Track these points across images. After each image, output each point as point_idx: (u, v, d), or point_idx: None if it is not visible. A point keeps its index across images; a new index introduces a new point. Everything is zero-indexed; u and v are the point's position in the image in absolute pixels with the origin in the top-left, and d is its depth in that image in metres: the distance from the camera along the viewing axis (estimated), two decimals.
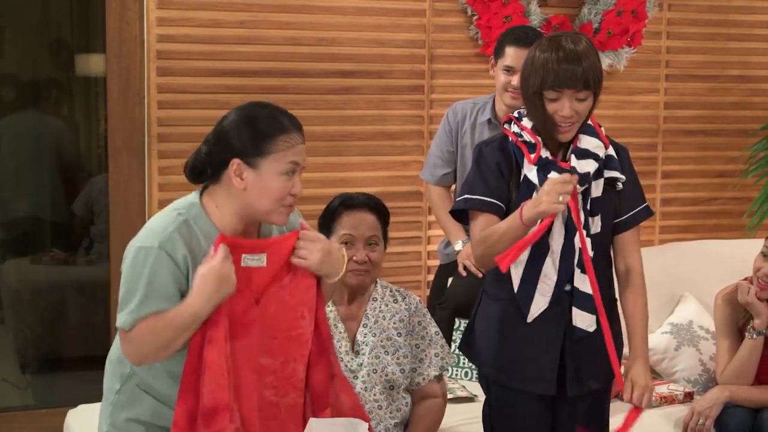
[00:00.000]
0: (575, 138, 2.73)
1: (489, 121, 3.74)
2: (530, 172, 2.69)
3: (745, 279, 3.58)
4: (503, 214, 2.70)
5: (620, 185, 2.78)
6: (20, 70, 5.07)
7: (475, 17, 4.47)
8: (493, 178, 2.73)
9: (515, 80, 3.47)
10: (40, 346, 5.06)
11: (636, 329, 2.77)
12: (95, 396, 3.63)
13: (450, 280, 3.85)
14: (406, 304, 3.07)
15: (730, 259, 4.29)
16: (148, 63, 4.12)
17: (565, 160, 2.71)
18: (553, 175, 2.65)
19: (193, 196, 2.37)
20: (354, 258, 2.94)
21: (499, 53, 3.62)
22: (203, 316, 2.22)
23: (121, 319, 2.26)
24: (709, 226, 5.01)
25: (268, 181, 2.27)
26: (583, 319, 2.71)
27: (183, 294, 2.27)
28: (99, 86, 4.81)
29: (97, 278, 4.71)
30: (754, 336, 3.49)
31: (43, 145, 5.07)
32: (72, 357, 5.10)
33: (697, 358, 3.93)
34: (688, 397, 3.79)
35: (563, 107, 2.64)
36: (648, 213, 2.90)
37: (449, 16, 4.51)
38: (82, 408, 3.52)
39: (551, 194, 2.52)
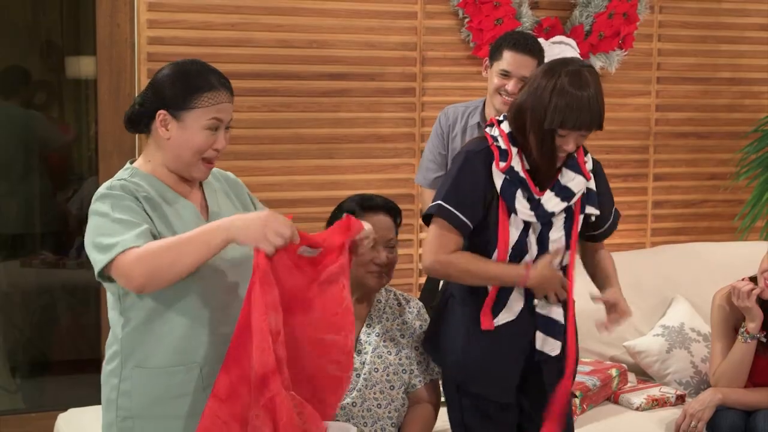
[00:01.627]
0: (557, 170, 2.76)
1: (479, 124, 3.75)
2: (498, 179, 2.71)
3: (743, 279, 3.57)
4: (467, 235, 2.75)
5: (593, 218, 2.85)
6: (9, 71, 5.06)
7: (467, 20, 4.48)
8: (472, 194, 2.73)
9: (510, 85, 3.46)
10: (31, 350, 5.05)
11: (611, 274, 2.92)
12: (86, 399, 3.63)
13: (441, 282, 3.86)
14: (409, 308, 3.12)
15: (721, 261, 4.31)
16: (138, 65, 4.12)
17: (541, 189, 2.74)
18: (519, 196, 2.70)
19: (126, 166, 2.46)
20: (376, 260, 2.96)
21: (495, 56, 3.62)
22: (214, 242, 2.20)
23: (117, 247, 2.22)
24: (701, 229, 5.03)
25: (190, 134, 2.35)
26: (546, 343, 2.79)
27: (154, 236, 2.28)
28: (89, 89, 4.80)
29: (87, 281, 4.69)
30: (748, 340, 3.50)
31: (32, 146, 5.06)
32: (62, 360, 5.09)
33: (688, 360, 3.94)
34: (680, 399, 3.80)
35: (569, 144, 2.67)
36: (618, 217, 3.01)
37: (441, 19, 4.51)
38: (73, 411, 3.51)
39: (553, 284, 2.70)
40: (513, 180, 2.70)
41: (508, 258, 2.73)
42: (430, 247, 2.76)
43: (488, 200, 2.73)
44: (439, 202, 2.76)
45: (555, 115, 2.61)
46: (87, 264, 4.91)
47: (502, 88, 3.55)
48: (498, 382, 2.80)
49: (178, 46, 4.15)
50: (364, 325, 3.06)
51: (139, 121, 2.41)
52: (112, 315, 2.41)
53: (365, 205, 3.05)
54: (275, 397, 2.21)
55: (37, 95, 5.19)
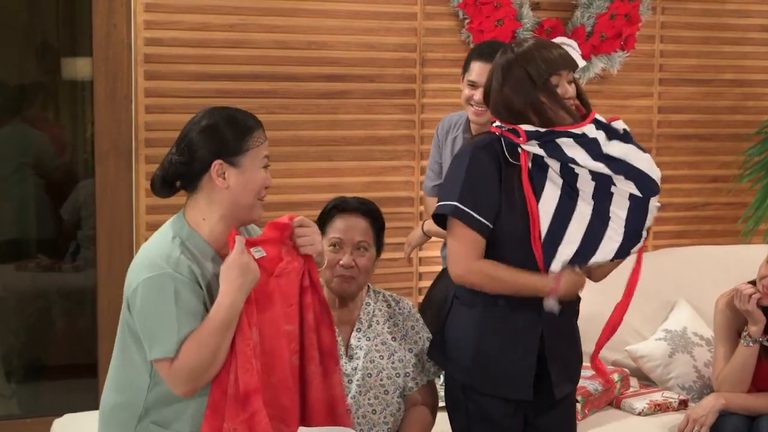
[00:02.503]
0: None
1: (463, 132, 3.73)
2: (533, 147, 2.67)
3: (747, 283, 3.57)
4: (488, 235, 2.70)
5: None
6: (5, 73, 5.05)
7: (467, 21, 4.48)
8: (487, 192, 2.69)
9: (477, 95, 3.44)
10: (26, 354, 5.04)
11: None
12: (81, 405, 3.64)
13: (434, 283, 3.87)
14: (399, 309, 3.09)
15: (724, 264, 4.31)
16: (135, 66, 4.12)
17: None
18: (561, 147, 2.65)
19: (178, 218, 2.43)
20: (340, 262, 2.95)
21: (465, 68, 3.61)
22: (239, 306, 2.30)
23: (162, 349, 2.28)
24: (704, 232, 5.03)
25: (250, 176, 2.38)
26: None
27: (207, 310, 2.34)
28: (86, 90, 4.79)
29: (83, 285, 4.70)
30: (750, 344, 3.50)
31: (28, 149, 5.05)
32: (58, 365, 5.08)
33: (691, 365, 3.94)
34: (683, 404, 3.79)
35: (565, 89, 2.70)
36: None
37: (441, 20, 4.52)
38: (68, 417, 3.51)
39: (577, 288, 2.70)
40: (545, 141, 2.65)
41: (547, 229, 2.66)
42: (458, 257, 2.71)
43: (498, 189, 2.70)
44: (455, 203, 2.69)
45: (540, 68, 2.67)
46: (83, 268, 4.94)
47: (471, 98, 3.52)
48: (515, 379, 2.76)
49: (175, 48, 4.15)
50: (354, 329, 3.03)
51: (185, 178, 2.38)
52: (137, 368, 2.40)
53: (340, 206, 3.05)
54: (256, 415, 2.31)
55: (33, 98, 5.18)
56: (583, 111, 2.75)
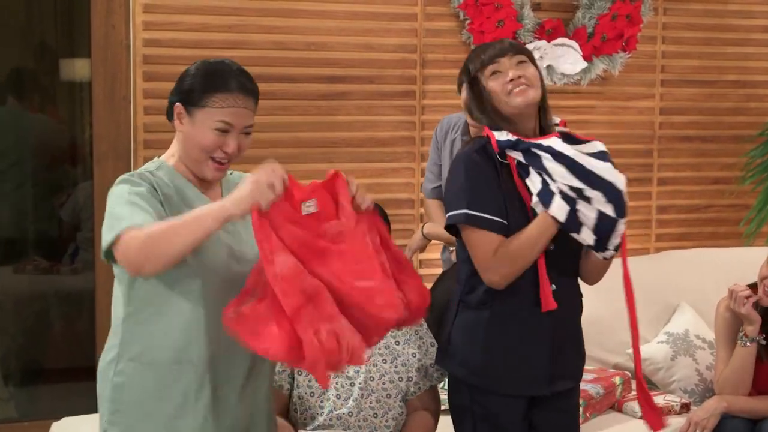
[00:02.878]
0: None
1: (462, 135, 3.74)
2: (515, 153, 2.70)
3: (747, 285, 3.57)
4: (506, 233, 2.69)
5: None
6: (2, 73, 5.06)
7: (468, 21, 4.49)
8: (492, 192, 2.70)
9: None
10: (24, 357, 5.04)
11: None
12: (80, 408, 3.63)
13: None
14: None
15: (727, 267, 4.30)
16: (134, 68, 4.12)
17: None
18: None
19: (155, 158, 2.48)
20: None
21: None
22: (222, 210, 2.19)
23: (119, 226, 2.22)
24: (706, 234, 5.03)
25: (199, 132, 2.36)
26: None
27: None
28: (84, 91, 4.80)
29: (81, 287, 4.70)
30: (747, 344, 3.50)
31: (26, 149, 5.05)
32: (56, 368, 5.08)
33: (693, 368, 3.94)
34: (685, 408, 3.80)
35: (506, 71, 2.71)
36: None
37: (441, 21, 4.52)
38: (67, 421, 3.51)
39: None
40: (521, 149, 2.69)
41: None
42: (487, 264, 2.69)
43: (503, 196, 2.71)
44: (465, 210, 2.70)
45: (475, 62, 2.75)
46: (81, 270, 4.93)
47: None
48: (531, 375, 2.77)
49: (174, 48, 4.15)
50: None
51: (168, 112, 2.45)
52: (116, 306, 2.41)
53: None
54: (334, 319, 2.17)
55: (31, 97, 5.18)
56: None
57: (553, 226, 2.63)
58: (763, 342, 3.51)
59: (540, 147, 2.67)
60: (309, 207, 2.33)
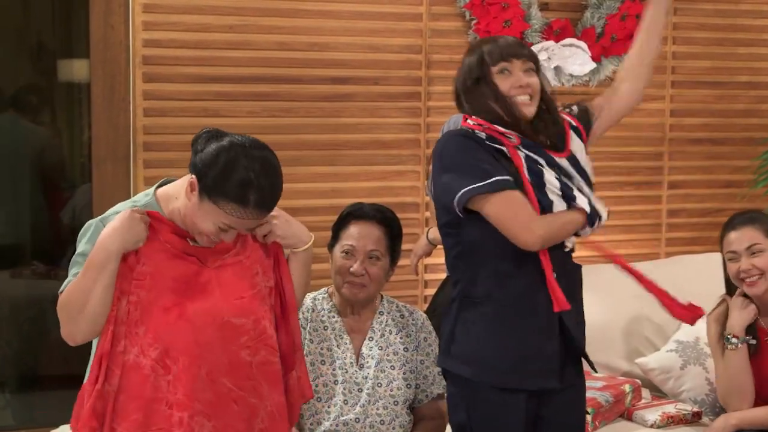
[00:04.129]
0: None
1: None
2: (518, 154, 2.72)
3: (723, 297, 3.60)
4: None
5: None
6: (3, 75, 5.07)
7: (474, 22, 4.49)
8: (487, 158, 2.70)
9: None
10: (20, 364, 5.05)
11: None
12: None
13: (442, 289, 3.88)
14: (413, 320, 3.12)
15: None
16: (133, 69, 4.13)
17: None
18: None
19: (146, 192, 2.52)
20: (351, 269, 2.98)
21: None
22: (108, 248, 2.29)
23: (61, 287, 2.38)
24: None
25: (201, 218, 2.37)
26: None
27: None
28: (82, 93, 4.81)
29: None
30: (738, 345, 3.44)
31: (23, 153, 5.06)
32: (53, 375, 5.08)
33: (704, 377, 3.93)
34: (697, 416, 3.79)
35: (518, 77, 2.72)
36: None
37: (447, 21, 4.52)
38: (64, 429, 3.51)
39: None
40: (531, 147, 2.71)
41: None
42: (528, 220, 2.66)
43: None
44: (468, 187, 2.66)
45: (488, 55, 2.75)
46: None
47: None
48: (541, 368, 2.76)
49: (174, 49, 4.16)
50: (366, 338, 3.06)
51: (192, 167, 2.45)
52: None
53: (356, 213, 3.07)
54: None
55: (27, 99, 5.19)
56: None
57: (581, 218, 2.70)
58: (753, 341, 3.49)
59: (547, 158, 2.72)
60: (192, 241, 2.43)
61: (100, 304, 2.31)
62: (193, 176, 2.37)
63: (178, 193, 2.45)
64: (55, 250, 5.07)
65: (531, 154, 2.71)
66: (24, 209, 5.09)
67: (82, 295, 2.31)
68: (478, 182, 2.65)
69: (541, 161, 2.72)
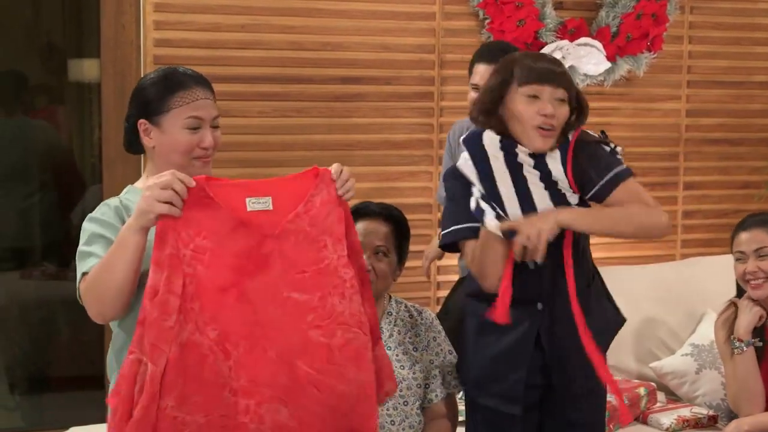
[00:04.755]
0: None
1: None
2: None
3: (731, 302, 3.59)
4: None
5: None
6: (9, 74, 5.09)
7: (488, 21, 4.49)
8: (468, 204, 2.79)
9: None
10: (30, 366, 5.07)
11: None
12: (87, 418, 3.65)
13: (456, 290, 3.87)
14: (422, 319, 3.12)
15: None
16: (144, 68, 4.14)
17: None
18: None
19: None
20: None
21: (470, 71, 3.63)
22: (128, 239, 2.22)
23: (80, 268, 2.32)
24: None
25: (171, 137, 2.42)
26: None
27: None
28: (93, 92, 4.83)
29: None
30: (744, 348, 3.43)
31: (33, 153, 5.08)
32: (63, 377, 5.11)
33: (719, 381, 3.91)
34: (712, 420, 3.78)
35: (545, 105, 2.66)
36: (620, 177, 2.81)
37: (460, 20, 4.53)
38: (74, 430, 3.53)
39: None
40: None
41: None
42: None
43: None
44: (452, 228, 2.86)
45: (519, 75, 2.68)
46: None
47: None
48: (503, 391, 2.84)
49: (185, 48, 4.17)
50: None
51: (130, 138, 2.51)
52: None
53: (361, 210, 3.08)
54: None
55: (38, 99, 5.21)
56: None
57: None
58: (759, 343, 3.47)
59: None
60: (255, 204, 2.28)
61: (124, 283, 2.24)
62: (140, 121, 2.43)
63: (147, 170, 2.51)
64: (65, 252, 5.07)
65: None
66: (34, 210, 5.11)
67: (105, 272, 2.25)
68: (452, 227, 2.84)
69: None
